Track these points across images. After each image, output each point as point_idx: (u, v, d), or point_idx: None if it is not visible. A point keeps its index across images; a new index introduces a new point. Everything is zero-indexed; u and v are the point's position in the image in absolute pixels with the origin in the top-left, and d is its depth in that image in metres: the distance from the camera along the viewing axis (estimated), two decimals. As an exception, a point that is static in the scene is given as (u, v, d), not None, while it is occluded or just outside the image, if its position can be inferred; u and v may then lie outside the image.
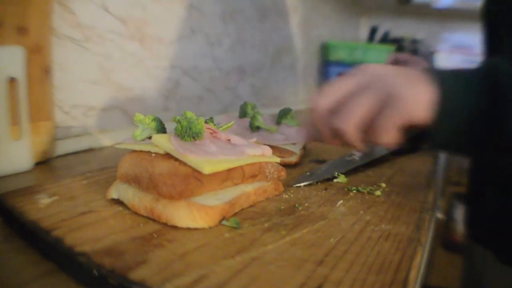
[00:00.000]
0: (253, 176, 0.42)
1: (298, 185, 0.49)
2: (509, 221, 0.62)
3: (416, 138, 0.43)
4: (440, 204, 0.74)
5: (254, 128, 0.60)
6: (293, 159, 0.58)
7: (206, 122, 0.46)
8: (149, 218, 0.36)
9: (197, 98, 0.99)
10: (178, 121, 0.39)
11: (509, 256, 0.63)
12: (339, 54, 1.67)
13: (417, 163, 0.64)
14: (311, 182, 0.50)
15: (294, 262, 0.30)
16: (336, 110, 0.40)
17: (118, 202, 0.40)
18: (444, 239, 1.54)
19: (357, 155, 0.61)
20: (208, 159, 0.37)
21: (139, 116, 0.42)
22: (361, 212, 0.41)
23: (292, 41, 1.45)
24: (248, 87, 1.20)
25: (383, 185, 0.51)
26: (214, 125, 0.46)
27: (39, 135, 0.57)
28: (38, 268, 0.30)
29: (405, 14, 2.21)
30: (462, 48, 2.05)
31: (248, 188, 0.41)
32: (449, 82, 0.38)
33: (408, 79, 0.38)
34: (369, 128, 0.39)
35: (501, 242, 0.65)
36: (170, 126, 0.43)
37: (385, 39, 1.90)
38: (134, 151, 0.41)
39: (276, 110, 0.72)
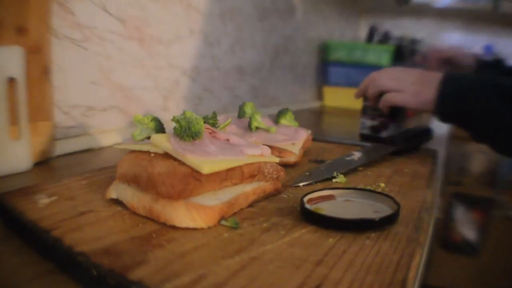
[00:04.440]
0: (252, 176, 0.42)
1: (297, 185, 0.50)
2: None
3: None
4: (439, 204, 0.74)
5: (253, 128, 0.60)
6: (292, 159, 0.58)
7: (208, 118, 0.46)
8: (148, 218, 0.37)
9: (196, 98, 0.99)
10: (177, 121, 0.39)
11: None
12: (339, 54, 1.67)
13: (416, 163, 0.64)
14: (310, 182, 0.51)
15: (293, 262, 0.30)
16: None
17: (117, 202, 0.40)
18: (443, 239, 1.54)
19: (356, 155, 0.61)
20: (207, 159, 0.37)
21: (138, 116, 0.43)
22: (360, 212, 0.41)
23: (291, 41, 1.45)
24: (247, 87, 1.21)
25: (382, 185, 0.51)
26: (217, 121, 0.46)
27: (38, 135, 0.57)
28: (37, 268, 0.30)
29: (405, 14, 2.21)
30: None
31: (247, 188, 0.41)
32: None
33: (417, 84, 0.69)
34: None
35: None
36: (169, 126, 0.43)
37: (384, 39, 1.90)
38: (133, 151, 0.41)
39: (275, 110, 0.72)
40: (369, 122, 0.86)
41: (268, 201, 0.44)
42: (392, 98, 0.71)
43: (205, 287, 0.26)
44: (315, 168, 0.57)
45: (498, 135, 0.64)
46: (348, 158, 0.60)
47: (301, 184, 0.50)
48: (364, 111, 0.87)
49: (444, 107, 0.65)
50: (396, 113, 0.83)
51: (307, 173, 0.54)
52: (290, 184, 0.50)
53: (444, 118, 0.67)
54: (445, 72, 0.66)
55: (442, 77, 0.65)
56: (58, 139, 0.64)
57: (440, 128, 1.25)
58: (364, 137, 0.88)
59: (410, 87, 0.69)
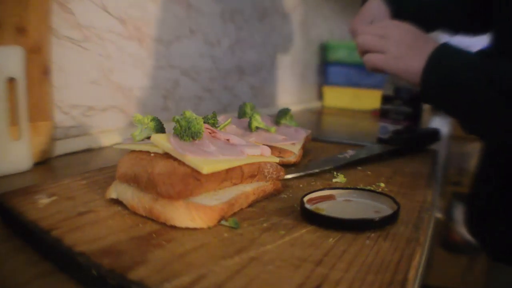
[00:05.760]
0: (252, 176, 0.42)
1: (287, 177, 0.51)
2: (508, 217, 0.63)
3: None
4: (439, 204, 0.74)
5: (253, 128, 0.60)
6: (292, 159, 0.58)
7: (208, 118, 0.46)
8: (148, 218, 0.37)
9: (196, 98, 0.99)
10: (177, 121, 0.39)
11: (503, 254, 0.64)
12: (339, 54, 1.67)
13: (416, 163, 0.64)
14: (299, 174, 0.52)
15: (293, 262, 0.30)
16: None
17: (117, 202, 0.40)
18: (443, 239, 1.54)
19: (349, 153, 0.62)
20: (207, 159, 0.37)
21: (138, 116, 0.42)
22: (360, 212, 0.41)
23: (291, 41, 1.45)
24: (247, 87, 1.21)
25: (382, 185, 0.51)
26: (217, 121, 0.46)
27: (38, 135, 0.57)
28: (37, 268, 0.30)
29: (405, 14, 2.20)
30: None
31: (247, 188, 0.41)
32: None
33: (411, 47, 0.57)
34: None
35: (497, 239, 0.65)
36: (169, 126, 0.43)
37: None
38: (133, 151, 0.41)
39: (275, 110, 0.72)
40: (391, 127, 0.77)
41: (268, 201, 0.44)
42: (371, 60, 0.60)
43: (205, 287, 0.26)
44: (305, 164, 0.58)
45: (493, 131, 0.56)
46: (341, 156, 0.61)
47: (290, 176, 0.51)
48: (385, 115, 0.78)
49: (431, 89, 0.55)
50: (418, 112, 0.76)
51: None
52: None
53: (429, 101, 0.58)
54: (442, 43, 0.56)
55: (435, 50, 0.55)
56: (58, 139, 0.64)
57: (440, 128, 1.25)
58: (383, 142, 0.75)
59: (394, 49, 0.57)
